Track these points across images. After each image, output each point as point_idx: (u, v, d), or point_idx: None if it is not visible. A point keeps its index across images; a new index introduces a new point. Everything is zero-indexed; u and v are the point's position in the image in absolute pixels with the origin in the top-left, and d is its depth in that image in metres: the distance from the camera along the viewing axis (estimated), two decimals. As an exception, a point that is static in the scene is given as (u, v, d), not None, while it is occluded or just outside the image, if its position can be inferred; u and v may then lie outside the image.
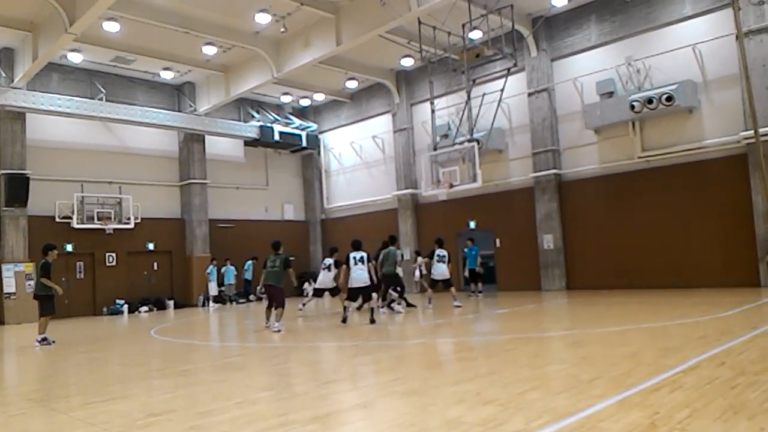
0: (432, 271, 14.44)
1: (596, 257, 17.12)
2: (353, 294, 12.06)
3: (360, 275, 11.79)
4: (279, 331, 11.01)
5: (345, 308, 11.88)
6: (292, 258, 12.79)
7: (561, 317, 11.48)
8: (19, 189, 18.11)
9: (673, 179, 15.73)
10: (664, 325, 8.62)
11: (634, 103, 15.53)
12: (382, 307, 13.60)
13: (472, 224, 20.13)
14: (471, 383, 5.35)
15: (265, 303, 12.22)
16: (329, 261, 14.60)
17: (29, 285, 17.75)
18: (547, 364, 6.46)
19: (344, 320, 11.64)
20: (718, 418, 3.75)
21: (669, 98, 14.95)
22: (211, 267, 21.61)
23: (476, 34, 17.06)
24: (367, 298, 11.95)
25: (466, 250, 17.40)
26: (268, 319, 11.70)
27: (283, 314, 11.38)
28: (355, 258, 11.89)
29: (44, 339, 10.94)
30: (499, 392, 4.90)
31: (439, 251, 14.38)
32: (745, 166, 14.38)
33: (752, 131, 13.59)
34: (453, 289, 14.36)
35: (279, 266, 11.55)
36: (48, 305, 11.02)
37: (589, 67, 17.27)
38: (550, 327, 10.10)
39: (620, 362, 5.88)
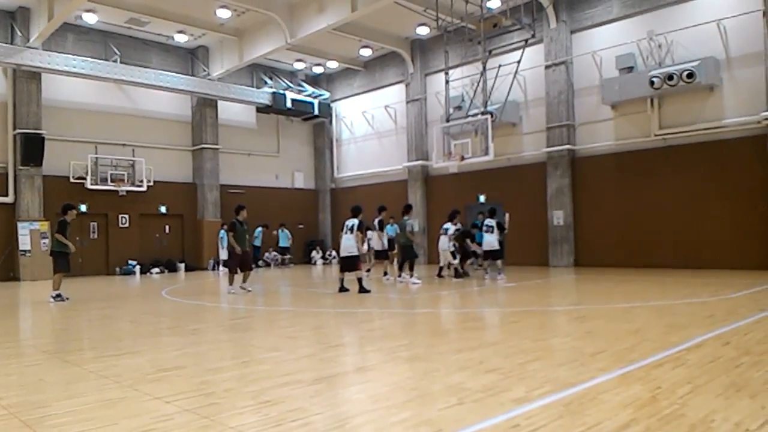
0: (481, 242, 14.30)
1: (606, 235, 17.05)
2: (342, 264, 11.87)
3: (345, 244, 11.54)
4: (234, 293, 11.88)
5: (341, 279, 11.81)
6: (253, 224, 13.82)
7: (567, 293, 11.50)
8: (34, 148, 18.28)
9: (689, 159, 15.52)
10: (671, 303, 8.62)
11: (654, 79, 15.22)
12: (399, 276, 13.59)
13: (482, 198, 20.06)
14: (474, 352, 5.41)
15: (274, 269, 12.48)
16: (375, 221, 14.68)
17: (44, 243, 18.08)
18: (551, 336, 6.50)
19: (340, 290, 11.59)
20: (720, 394, 3.77)
21: (690, 75, 14.64)
22: (222, 232, 21.77)
23: (494, 3, 16.74)
24: (352, 268, 11.52)
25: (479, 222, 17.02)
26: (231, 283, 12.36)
27: (242, 277, 12.37)
28: (346, 226, 11.65)
29: (58, 295, 11.14)
30: (501, 361, 4.95)
31: (487, 221, 14.18)
32: (764, 147, 14.15)
33: (773, 111, 13.37)
34: (500, 262, 14.24)
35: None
36: (62, 262, 11.15)
37: (609, 41, 16.93)
38: (555, 302, 10.13)
39: (625, 337, 5.91)
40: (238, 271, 12.36)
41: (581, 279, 13.85)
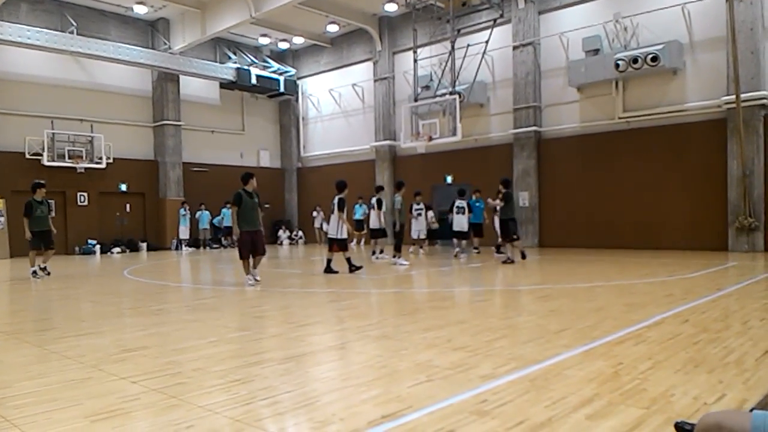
0: (452, 222, 14.49)
1: (570, 216, 17.37)
2: (329, 244, 11.63)
3: (331, 223, 11.37)
4: (252, 285, 9.45)
5: (328, 259, 11.37)
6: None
7: (532, 272, 11.69)
8: (-15, 123, 17.60)
9: (651, 141, 15.87)
10: (632, 282, 8.87)
11: (619, 62, 15.43)
12: (395, 256, 13.24)
13: (449, 179, 20.16)
14: (442, 330, 5.46)
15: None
16: (373, 200, 14.51)
17: (-1, 221, 17.54)
18: (516, 315, 6.62)
19: (326, 270, 11.28)
20: (679, 370, 3.90)
21: (654, 58, 14.89)
22: (181, 210, 21.45)
23: (464, -19, 16.66)
24: (336, 249, 11.31)
25: (471, 202, 15.67)
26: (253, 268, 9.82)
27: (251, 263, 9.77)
28: (333, 203, 11.33)
29: (35, 272, 11.66)
30: (468, 339, 5.01)
31: (458, 202, 14.39)
32: (724, 131, 14.52)
33: (734, 96, 13.74)
34: (464, 242, 14.37)
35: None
36: (33, 240, 11.69)
37: (576, 23, 17.04)
38: (521, 281, 10.29)
39: (587, 316, 6.05)
40: (250, 257, 9.60)
41: (545, 259, 14.10)
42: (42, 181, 12.26)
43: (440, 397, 3.42)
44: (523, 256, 13.06)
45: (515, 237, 12.96)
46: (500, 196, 13.00)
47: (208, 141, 23.89)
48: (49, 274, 11.88)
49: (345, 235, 11.31)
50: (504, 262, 12.68)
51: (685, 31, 15.21)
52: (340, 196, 11.19)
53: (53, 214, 14.45)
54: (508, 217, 12.93)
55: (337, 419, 3.11)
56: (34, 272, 11.64)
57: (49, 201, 12.41)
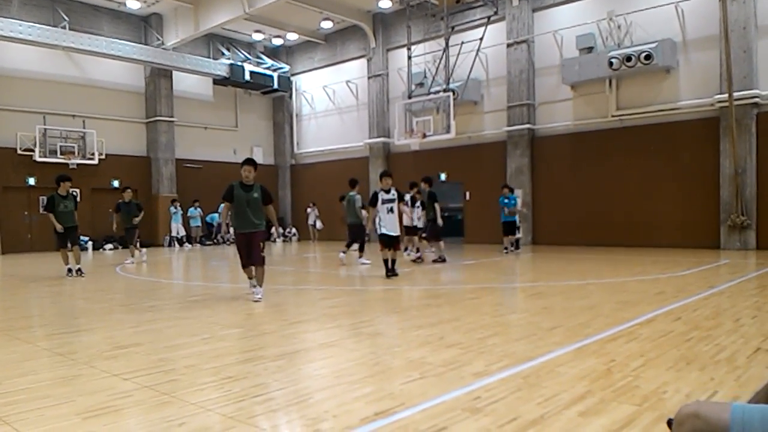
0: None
1: (563, 214, 17.42)
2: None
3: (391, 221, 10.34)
4: (259, 299, 7.59)
5: (386, 261, 10.18)
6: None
7: (525, 270, 11.73)
8: (-24, 117, 17.40)
9: (644, 139, 15.93)
10: (624, 280, 8.91)
11: (613, 60, 15.47)
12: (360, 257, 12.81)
13: (443, 176, 20.17)
14: (435, 328, 5.47)
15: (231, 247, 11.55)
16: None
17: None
18: (509, 312, 6.64)
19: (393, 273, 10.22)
20: (671, 367, 3.92)
21: (648, 57, 14.94)
22: (171, 208, 21.37)
23: (458, -21, 16.68)
24: (399, 246, 10.53)
25: (504, 199, 15.05)
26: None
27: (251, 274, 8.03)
28: (383, 199, 10.19)
29: (69, 270, 11.20)
30: (461, 337, 5.02)
31: (406, 197, 14.36)
32: (716, 129, 14.61)
33: (726, 94, 13.82)
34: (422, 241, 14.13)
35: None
36: (58, 237, 11.12)
37: (570, 21, 17.07)
38: (513, 279, 10.33)
39: (579, 313, 6.07)
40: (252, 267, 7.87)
41: (538, 257, 14.15)
42: (67, 175, 11.51)
43: (433, 394, 3.43)
44: (441, 259, 12.70)
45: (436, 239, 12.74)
46: (417, 192, 13.40)
47: (202, 137, 23.79)
48: (83, 275, 11.18)
49: (382, 231, 10.28)
50: (414, 261, 12.95)
51: (679, 30, 15.27)
52: (375, 190, 10.18)
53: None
54: (431, 218, 12.61)
55: (330, 416, 3.11)
56: (69, 270, 11.14)
57: (75, 195, 11.49)
